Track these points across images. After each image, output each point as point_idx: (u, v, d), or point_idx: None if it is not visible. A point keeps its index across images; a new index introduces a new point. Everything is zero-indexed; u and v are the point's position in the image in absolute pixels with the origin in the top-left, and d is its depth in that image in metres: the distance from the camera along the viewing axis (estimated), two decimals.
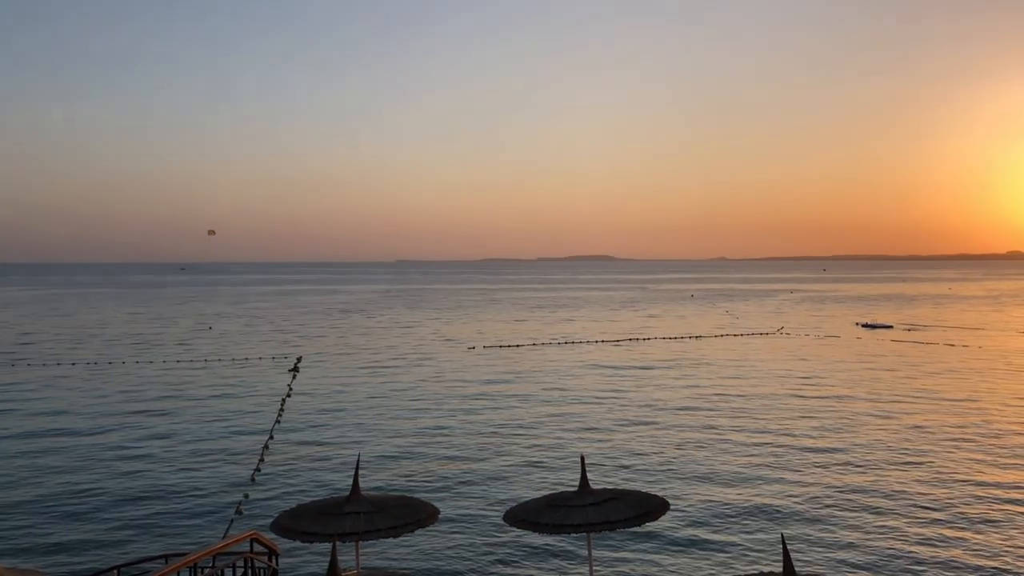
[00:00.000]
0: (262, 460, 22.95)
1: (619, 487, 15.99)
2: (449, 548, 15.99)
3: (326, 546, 12.94)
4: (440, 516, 11.81)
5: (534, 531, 11.04)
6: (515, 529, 11.23)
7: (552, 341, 55.85)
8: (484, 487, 20.27)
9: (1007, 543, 15.93)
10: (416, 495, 16.18)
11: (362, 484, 12.05)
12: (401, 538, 13.46)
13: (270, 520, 11.95)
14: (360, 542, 11.51)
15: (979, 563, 14.95)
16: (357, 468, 11.97)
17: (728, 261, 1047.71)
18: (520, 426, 27.65)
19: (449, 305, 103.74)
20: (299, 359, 46.07)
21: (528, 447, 24.49)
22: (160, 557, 13.06)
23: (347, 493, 11.64)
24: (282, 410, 30.51)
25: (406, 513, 11.27)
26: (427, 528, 11.60)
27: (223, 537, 15.67)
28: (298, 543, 11.94)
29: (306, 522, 11.06)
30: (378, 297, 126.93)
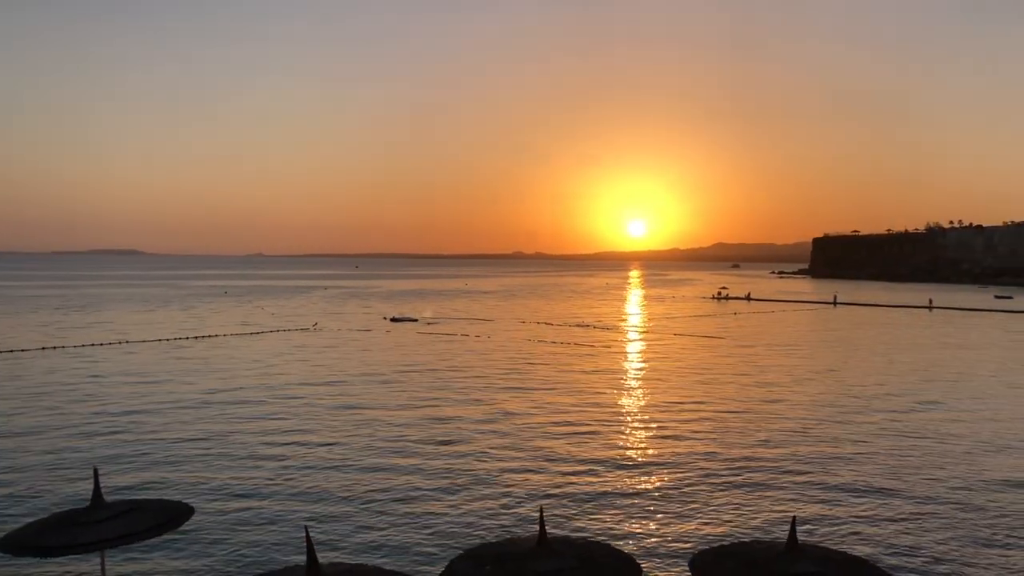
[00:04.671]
0: None
1: (138, 497, 15.01)
2: None
3: None
4: None
5: (38, 556, 9.87)
6: (14, 557, 9.94)
7: (68, 345, 50.16)
8: None
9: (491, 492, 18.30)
10: None
11: None
12: None
13: None
14: None
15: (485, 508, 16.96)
16: None
17: (265, 257, 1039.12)
18: (23, 438, 24.40)
19: None
20: None
21: (32, 463, 21.71)
22: None
23: None
24: None
25: None
26: None
27: None
28: None
29: None
30: None
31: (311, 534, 8.22)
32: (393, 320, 72.46)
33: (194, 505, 10.63)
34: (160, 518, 10.57)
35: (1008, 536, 16.80)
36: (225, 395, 32.34)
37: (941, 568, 15.03)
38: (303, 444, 24.19)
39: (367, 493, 19.30)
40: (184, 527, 10.98)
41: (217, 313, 79.49)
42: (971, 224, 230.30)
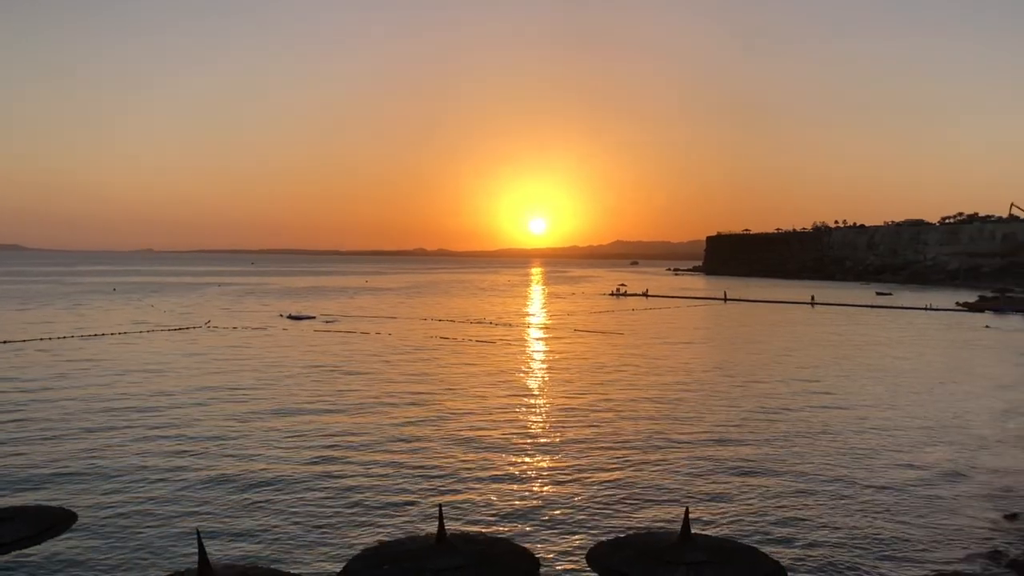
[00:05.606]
0: None
1: (15, 504, 14.28)
2: None
3: None
4: None
5: None
6: None
7: None
8: None
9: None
10: None
11: None
12: None
13: None
14: None
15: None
16: None
17: (155, 253, 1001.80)
18: None
19: None
20: None
21: None
22: None
23: None
24: None
25: None
26: None
27: None
28: None
29: None
30: None
31: (203, 537, 7.97)
32: (291, 318, 70.96)
33: (77, 511, 10.17)
34: (39, 525, 10.03)
35: (885, 516, 17.70)
36: (112, 397, 31.03)
37: (822, 550, 15.72)
38: (194, 445, 23.41)
39: (261, 493, 18.85)
40: (66, 534, 10.50)
41: (106, 311, 76.20)
42: (855, 224, 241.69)
